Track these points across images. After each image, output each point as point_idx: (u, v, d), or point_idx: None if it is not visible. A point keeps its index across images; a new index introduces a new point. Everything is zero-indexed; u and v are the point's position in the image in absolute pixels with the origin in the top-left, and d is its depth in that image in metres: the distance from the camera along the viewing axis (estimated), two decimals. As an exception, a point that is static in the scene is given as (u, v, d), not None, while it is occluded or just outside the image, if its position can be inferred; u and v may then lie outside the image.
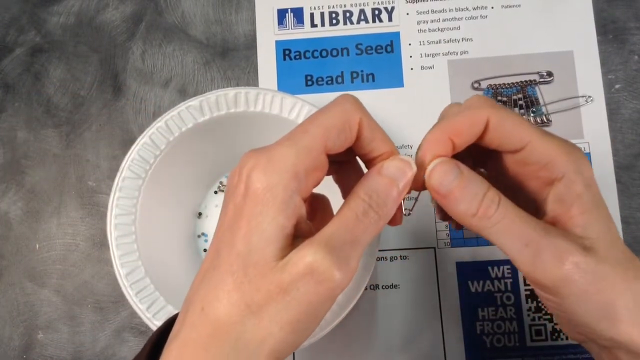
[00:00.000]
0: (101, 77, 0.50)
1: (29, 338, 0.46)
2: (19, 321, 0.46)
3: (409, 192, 0.27)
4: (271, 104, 0.40)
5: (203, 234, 0.46)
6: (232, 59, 0.49)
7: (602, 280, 0.25)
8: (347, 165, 0.30)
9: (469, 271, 0.45)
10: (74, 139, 0.49)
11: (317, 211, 0.30)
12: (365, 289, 0.40)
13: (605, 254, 0.25)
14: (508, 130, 0.27)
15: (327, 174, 0.28)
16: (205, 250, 0.46)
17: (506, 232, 0.25)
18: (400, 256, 0.45)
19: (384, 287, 0.45)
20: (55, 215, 0.48)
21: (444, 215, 0.30)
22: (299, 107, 0.40)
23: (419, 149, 0.27)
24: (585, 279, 0.24)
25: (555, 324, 0.44)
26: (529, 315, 0.44)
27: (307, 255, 0.23)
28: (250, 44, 0.50)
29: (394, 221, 0.28)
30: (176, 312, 0.37)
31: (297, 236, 0.24)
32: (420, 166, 0.27)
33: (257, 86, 0.49)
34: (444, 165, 0.26)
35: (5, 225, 0.48)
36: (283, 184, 0.23)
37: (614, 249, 0.26)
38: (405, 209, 0.29)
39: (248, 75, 0.49)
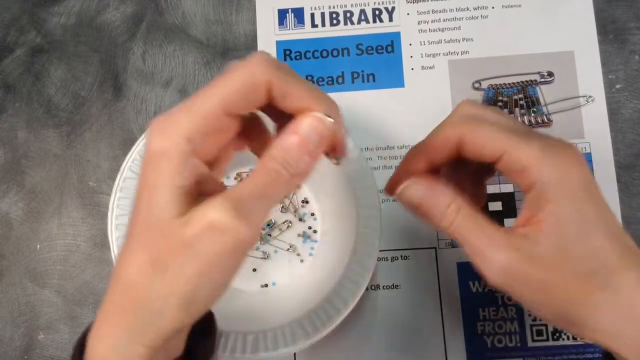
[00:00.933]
0: (102, 77, 0.50)
1: (29, 338, 0.46)
2: (19, 322, 0.46)
3: (335, 153, 0.28)
4: None
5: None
6: (232, 59, 0.49)
7: (547, 284, 0.26)
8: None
9: (470, 271, 0.45)
10: (74, 139, 0.49)
11: None
12: (366, 289, 0.40)
13: (556, 261, 0.26)
14: (481, 144, 0.28)
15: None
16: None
17: (463, 237, 0.28)
18: (402, 256, 0.45)
19: (385, 287, 0.45)
20: (56, 216, 0.48)
21: None
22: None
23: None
24: (523, 283, 0.27)
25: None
26: (530, 315, 0.44)
27: (209, 209, 0.23)
28: (251, 44, 0.50)
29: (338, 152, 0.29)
30: None
31: (203, 195, 0.25)
32: (395, 182, 0.30)
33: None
34: (408, 189, 0.30)
35: (6, 225, 0.48)
36: (177, 148, 0.24)
37: (571, 258, 0.26)
38: (333, 158, 0.30)
39: (248, 76, 0.49)
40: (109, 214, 0.39)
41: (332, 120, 0.26)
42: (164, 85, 0.49)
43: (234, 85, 0.25)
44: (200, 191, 0.25)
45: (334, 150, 0.29)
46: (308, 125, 0.25)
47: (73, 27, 0.50)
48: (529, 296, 0.27)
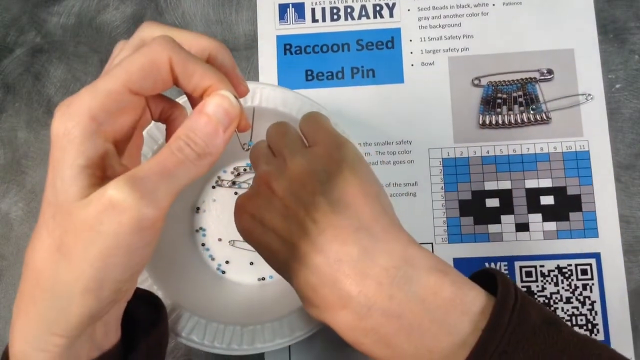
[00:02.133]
0: (101, 77, 0.50)
1: (30, 338, 0.46)
2: (19, 321, 0.46)
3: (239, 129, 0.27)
4: (272, 98, 0.40)
5: (201, 228, 0.46)
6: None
7: None
8: None
9: (466, 267, 0.45)
10: (74, 139, 0.49)
11: None
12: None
13: None
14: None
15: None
16: (203, 244, 0.46)
17: None
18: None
19: (384, 283, 0.45)
20: (56, 216, 0.48)
21: None
22: (299, 103, 0.40)
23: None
24: None
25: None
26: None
27: (108, 189, 0.22)
28: (251, 44, 0.50)
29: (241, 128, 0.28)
30: (174, 305, 0.38)
31: (108, 177, 0.24)
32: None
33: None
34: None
35: (6, 225, 0.48)
36: (80, 127, 0.23)
37: None
38: (243, 143, 0.30)
39: (249, 75, 0.49)
40: None
41: (237, 98, 0.26)
42: (164, 85, 0.49)
43: (137, 63, 0.24)
44: (106, 175, 0.24)
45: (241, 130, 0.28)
46: (214, 104, 0.25)
47: (73, 27, 0.51)
48: None
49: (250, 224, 0.31)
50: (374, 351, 0.28)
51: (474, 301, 0.28)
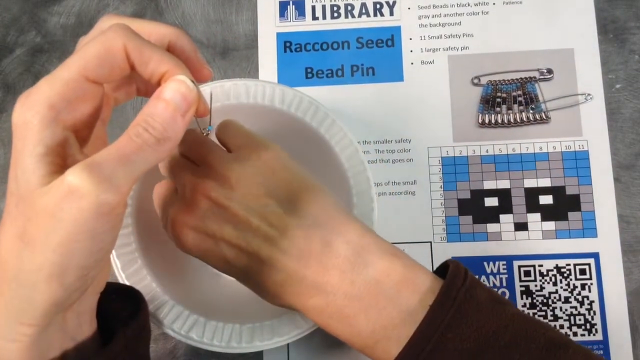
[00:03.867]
0: (102, 76, 0.50)
1: (30, 337, 0.46)
2: (20, 320, 0.46)
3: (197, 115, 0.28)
4: (271, 96, 0.40)
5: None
6: (232, 58, 0.50)
7: None
8: None
9: (465, 266, 0.45)
10: (74, 138, 0.49)
11: None
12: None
13: None
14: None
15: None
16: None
17: None
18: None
19: (380, 282, 0.45)
20: (56, 215, 0.48)
21: None
22: (298, 100, 0.39)
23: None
24: None
25: (550, 320, 0.44)
26: (523, 311, 0.44)
27: (67, 175, 0.23)
28: (251, 44, 0.50)
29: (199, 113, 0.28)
30: (172, 302, 0.38)
31: (69, 165, 0.24)
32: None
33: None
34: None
35: (7, 224, 0.48)
36: (39, 116, 0.24)
37: None
38: (202, 128, 0.30)
39: (249, 75, 0.49)
40: None
41: (194, 83, 0.26)
42: (164, 85, 0.49)
43: (92, 52, 0.25)
44: (66, 163, 0.25)
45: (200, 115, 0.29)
46: (171, 89, 0.25)
47: (73, 27, 0.51)
48: None
49: (195, 239, 0.31)
50: (338, 329, 0.31)
51: (424, 281, 0.30)
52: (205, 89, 0.39)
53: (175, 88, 0.25)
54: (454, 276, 0.30)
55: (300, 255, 0.30)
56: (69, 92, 0.25)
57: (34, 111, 0.24)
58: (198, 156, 0.32)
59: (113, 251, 0.38)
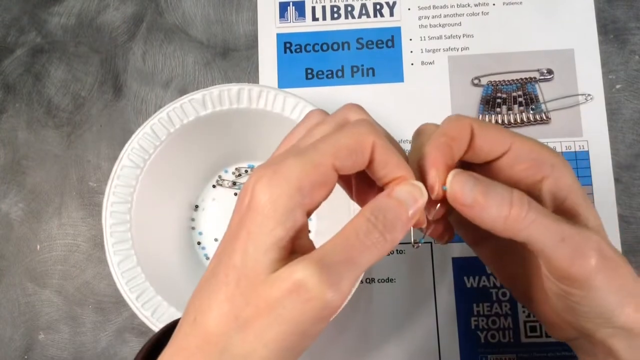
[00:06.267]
0: (102, 77, 0.50)
1: (30, 339, 0.46)
2: (20, 322, 0.46)
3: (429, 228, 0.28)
4: (274, 102, 0.40)
5: (198, 227, 0.46)
6: (232, 59, 0.49)
7: (619, 267, 0.26)
8: (367, 184, 0.29)
9: (464, 266, 0.45)
10: (74, 139, 0.49)
11: None
12: (361, 282, 0.40)
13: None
14: (492, 135, 0.27)
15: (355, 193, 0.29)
16: (199, 243, 0.46)
17: (542, 229, 0.25)
18: (397, 250, 0.45)
19: (379, 280, 0.45)
20: (56, 216, 0.48)
21: (442, 235, 0.30)
22: (301, 107, 0.40)
23: (423, 163, 0.27)
24: (611, 267, 0.26)
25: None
26: (524, 311, 0.44)
27: (296, 270, 0.22)
28: (251, 44, 0.50)
29: (440, 237, 0.29)
30: (165, 303, 0.38)
31: (296, 252, 0.24)
32: (432, 183, 0.26)
33: (258, 83, 0.49)
34: (459, 175, 0.26)
35: (6, 226, 0.48)
36: (286, 196, 0.23)
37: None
38: (413, 242, 0.29)
39: (249, 75, 0.49)
40: (104, 200, 0.39)
41: (426, 191, 0.25)
42: (164, 86, 0.49)
43: (345, 142, 0.24)
44: (294, 249, 0.24)
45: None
46: (406, 192, 0.25)
47: (73, 28, 0.51)
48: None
49: None
50: None
51: None
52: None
53: (410, 191, 0.25)
54: None
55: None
56: (318, 177, 0.24)
57: (282, 190, 0.23)
58: None
59: (110, 245, 0.38)
